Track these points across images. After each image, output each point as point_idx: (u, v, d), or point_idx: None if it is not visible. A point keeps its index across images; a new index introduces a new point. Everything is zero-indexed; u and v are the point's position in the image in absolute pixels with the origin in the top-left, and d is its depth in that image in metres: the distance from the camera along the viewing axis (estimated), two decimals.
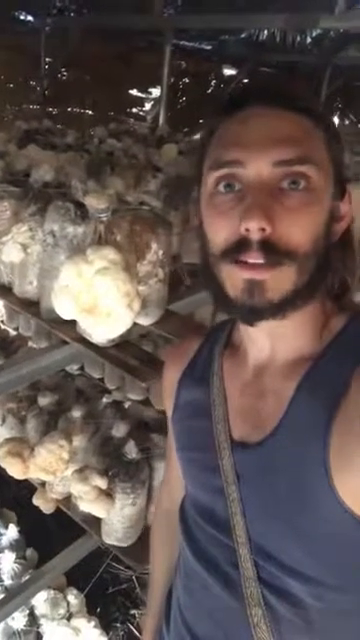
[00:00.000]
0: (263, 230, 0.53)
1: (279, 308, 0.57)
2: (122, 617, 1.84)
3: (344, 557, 0.57)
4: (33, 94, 3.09)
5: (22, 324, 2.03)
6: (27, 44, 2.94)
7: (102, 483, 1.18)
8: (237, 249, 0.56)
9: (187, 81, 4.12)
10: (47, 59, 3.01)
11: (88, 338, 0.94)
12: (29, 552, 1.84)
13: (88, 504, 1.19)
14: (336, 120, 4.82)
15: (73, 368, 1.86)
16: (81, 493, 1.18)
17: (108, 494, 1.20)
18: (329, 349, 0.60)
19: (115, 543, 1.29)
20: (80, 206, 0.94)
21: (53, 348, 1.01)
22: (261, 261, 0.55)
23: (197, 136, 4.23)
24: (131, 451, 1.23)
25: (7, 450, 1.28)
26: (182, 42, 3.57)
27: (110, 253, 0.80)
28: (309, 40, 3.98)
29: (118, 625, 1.81)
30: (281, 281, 0.55)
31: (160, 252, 0.97)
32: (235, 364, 0.70)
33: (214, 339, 0.76)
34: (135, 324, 0.92)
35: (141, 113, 3.96)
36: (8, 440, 1.32)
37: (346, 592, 0.58)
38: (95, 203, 0.85)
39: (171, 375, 0.79)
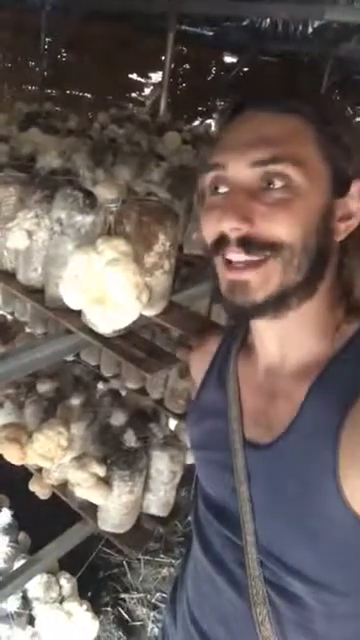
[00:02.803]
0: (238, 229, 0.56)
1: (265, 307, 0.58)
2: (113, 601, 1.86)
3: (348, 561, 0.58)
4: (32, 75, 3.03)
5: (18, 309, 2.02)
6: (26, 24, 2.87)
7: (100, 471, 1.19)
8: (218, 246, 0.59)
9: (187, 67, 4.07)
10: (47, 39, 2.95)
11: (93, 328, 0.94)
12: (21, 536, 1.86)
13: (86, 491, 1.20)
14: None
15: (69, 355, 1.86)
16: (79, 480, 1.19)
17: (106, 482, 1.21)
18: (342, 353, 0.60)
19: (111, 530, 1.30)
20: (88, 195, 0.93)
21: (56, 337, 1.01)
22: (242, 257, 0.57)
23: (197, 123, 4.20)
24: (130, 440, 1.24)
25: (5, 435, 1.29)
26: (183, 27, 3.51)
27: (121, 244, 0.80)
28: (310, 30, 3.94)
29: (109, 609, 1.84)
30: (266, 280, 0.57)
31: (167, 243, 0.97)
32: (249, 364, 0.72)
33: (232, 338, 0.78)
34: (140, 315, 0.92)
35: (140, 98, 3.91)
36: (6, 426, 1.32)
37: (348, 596, 0.59)
38: (106, 193, 0.85)
39: (196, 376, 0.82)
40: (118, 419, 1.29)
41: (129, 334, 0.98)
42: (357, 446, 0.53)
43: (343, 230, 0.59)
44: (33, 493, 1.47)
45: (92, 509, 1.32)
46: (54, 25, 2.92)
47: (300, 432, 0.60)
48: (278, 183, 0.55)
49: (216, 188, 0.60)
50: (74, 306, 0.85)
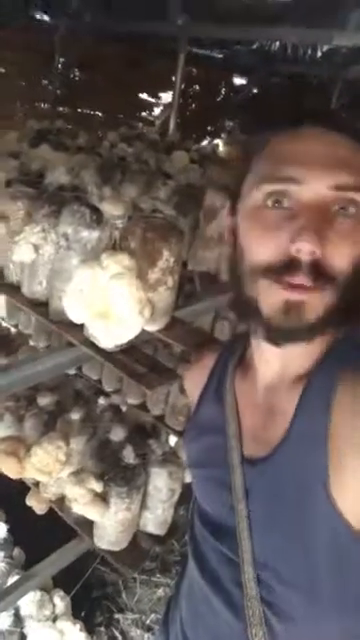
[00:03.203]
0: (314, 253, 0.53)
1: (311, 330, 0.57)
2: (106, 621, 1.83)
3: (342, 574, 0.57)
4: (45, 93, 3.10)
5: (23, 322, 2.03)
6: (40, 43, 2.95)
7: (98, 487, 1.18)
8: (284, 269, 0.55)
9: (197, 88, 4.14)
10: (60, 59, 3.02)
11: (95, 342, 0.94)
12: (16, 551, 1.83)
13: (82, 507, 1.19)
14: None
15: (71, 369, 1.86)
16: (76, 496, 1.18)
17: (103, 498, 1.20)
18: (326, 358, 0.61)
19: (107, 547, 1.29)
20: (95, 211, 0.94)
21: (58, 350, 1.01)
22: (308, 284, 0.54)
23: (205, 143, 4.26)
24: (129, 456, 1.23)
25: (3, 449, 1.28)
26: (194, 49, 3.59)
27: (125, 259, 0.81)
28: (319, 54, 4.01)
29: (102, 629, 1.80)
30: (320, 303, 0.55)
31: (171, 260, 0.98)
32: (247, 381, 0.71)
33: (228, 355, 0.77)
34: (142, 330, 0.93)
35: (150, 117, 3.98)
36: (4, 439, 1.32)
37: (346, 612, 0.59)
38: (112, 209, 0.86)
39: (192, 393, 0.81)
40: (117, 435, 1.29)
41: (131, 349, 0.98)
42: (341, 453, 0.54)
43: None
44: (29, 508, 1.46)
45: (88, 525, 1.31)
46: (67, 46, 2.99)
47: (293, 443, 0.60)
48: (352, 210, 0.54)
49: (276, 202, 0.57)
50: (77, 320, 0.86)
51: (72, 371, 1.85)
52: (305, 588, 0.59)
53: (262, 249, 0.57)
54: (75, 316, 0.86)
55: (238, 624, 0.64)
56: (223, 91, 4.45)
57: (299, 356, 0.62)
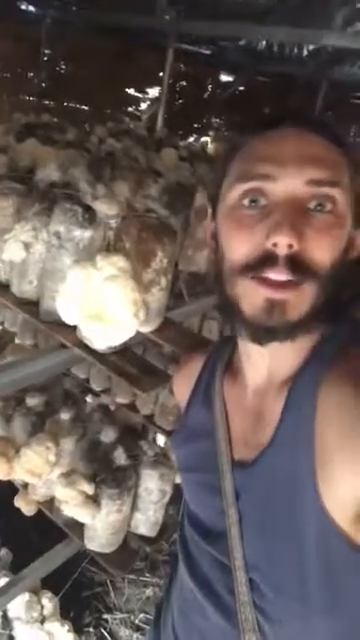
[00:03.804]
0: (291, 246, 0.53)
1: (294, 329, 0.57)
2: (95, 622, 1.82)
3: (333, 576, 0.57)
4: (30, 86, 3.04)
5: (8, 320, 2.00)
6: (27, 35, 2.89)
7: (89, 488, 1.17)
8: (261, 264, 0.55)
9: (184, 84, 4.12)
10: (46, 51, 2.97)
11: (88, 343, 0.93)
12: (3, 552, 1.81)
13: (73, 509, 1.17)
14: None
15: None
16: (67, 497, 1.16)
17: (94, 500, 1.18)
18: (308, 363, 0.61)
19: (97, 549, 1.28)
20: (87, 209, 0.93)
21: (50, 352, 0.99)
22: (286, 278, 0.54)
23: (192, 140, 4.25)
24: (120, 457, 1.22)
25: None
26: (181, 45, 3.56)
27: (120, 260, 0.80)
28: (305, 53, 4.03)
29: (91, 630, 1.79)
30: (301, 301, 0.55)
31: (165, 260, 0.97)
32: (235, 385, 0.71)
33: (216, 358, 0.76)
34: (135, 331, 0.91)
35: (136, 112, 3.94)
36: None
37: (335, 616, 0.59)
38: (106, 209, 0.84)
39: (180, 397, 0.80)
40: (108, 436, 1.27)
41: (123, 350, 0.97)
42: (326, 454, 0.54)
43: (350, 260, 0.60)
44: (16, 508, 1.44)
45: (78, 527, 1.29)
46: (54, 37, 2.94)
47: (280, 447, 0.60)
48: (328, 207, 0.55)
49: (252, 201, 0.57)
50: (70, 321, 0.84)
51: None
52: (296, 591, 0.59)
53: (239, 247, 0.57)
54: (68, 317, 0.84)
55: (230, 629, 0.64)
56: (210, 88, 4.43)
57: (286, 358, 0.62)
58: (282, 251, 0.53)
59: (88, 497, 1.17)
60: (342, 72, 3.97)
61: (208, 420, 0.71)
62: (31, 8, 2.77)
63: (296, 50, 3.92)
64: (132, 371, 0.92)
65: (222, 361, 0.74)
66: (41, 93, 3.05)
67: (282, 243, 0.53)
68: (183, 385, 0.81)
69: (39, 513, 1.43)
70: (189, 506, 0.76)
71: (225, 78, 4.40)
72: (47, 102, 3.12)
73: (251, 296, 0.57)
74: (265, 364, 0.64)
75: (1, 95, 2.94)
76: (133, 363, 0.94)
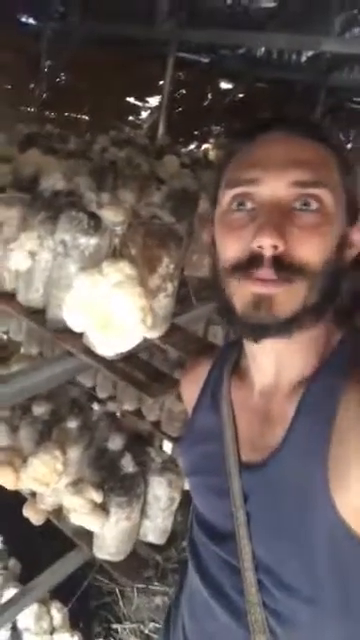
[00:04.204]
0: (275, 247, 0.55)
1: (285, 325, 0.57)
2: (105, 632, 1.80)
3: (343, 579, 0.57)
4: (31, 97, 3.07)
5: (13, 329, 2.00)
6: (27, 47, 2.92)
7: (97, 497, 1.16)
8: (248, 265, 0.57)
9: (184, 92, 4.15)
10: (47, 62, 3.00)
11: (95, 350, 0.93)
12: (12, 562, 1.80)
13: (81, 517, 1.17)
14: None
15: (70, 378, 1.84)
16: (75, 506, 1.16)
17: (102, 508, 1.18)
18: (322, 369, 0.62)
19: (107, 558, 1.27)
20: (92, 217, 0.93)
21: (57, 359, 0.99)
22: (273, 277, 0.55)
23: (192, 147, 4.27)
24: (128, 465, 1.22)
25: None
26: (181, 53, 3.60)
27: (126, 267, 0.80)
28: (304, 59, 4.06)
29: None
30: (290, 297, 0.56)
31: (171, 266, 0.97)
32: (242, 388, 0.71)
33: (223, 361, 0.77)
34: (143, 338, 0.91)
35: (137, 121, 3.97)
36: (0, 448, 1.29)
37: (348, 618, 0.59)
38: (112, 216, 0.85)
39: (188, 401, 0.81)
40: (116, 443, 1.27)
41: (131, 357, 0.97)
42: (342, 461, 0.54)
43: (348, 258, 0.61)
44: (23, 518, 1.43)
45: (87, 536, 1.29)
46: (54, 49, 2.98)
47: (291, 450, 0.60)
48: (313, 206, 0.56)
49: (240, 204, 0.59)
50: (77, 328, 0.84)
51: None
52: (306, 593, 0.59)
53: (229, 249, 0.59)
54: (75, 325, 0.84)
55: (241, 631, 0.64)
56: (209, 95, 4.46)
57: (291, 359, 0.63)
58: (267, 252, 0.55)
59: (96, 505, 1.16)
60: (341, 77, 4.01)
61: (215, 423, 0.72)
62: (31, 21, 2.80)
63: (295, 56, 3.96)
64: (140, 377, 0.92)
65: (229, 364, 0.75)
66: (42, 104, 3.08)
67: (266, 244, 0.55)
68: (190, 389, 0.81)
69: (47, 523, 1.42)
70: (198, 509, 0.76)
71: (225, 85, 4.43)
72: (48, 113, 3.15)
73: (241, 293, 0.59)
74: (270, 365, 0.65)
75: (2, 106, 2.97)
76: (141, 369, 0.94)
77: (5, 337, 1.96)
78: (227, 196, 0.60)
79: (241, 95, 4.35)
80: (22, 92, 3.10)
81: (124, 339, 0.83)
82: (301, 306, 0.57)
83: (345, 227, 0.59)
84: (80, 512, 1.16)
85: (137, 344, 0.86)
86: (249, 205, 0.58)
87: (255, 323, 0.58)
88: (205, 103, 4.41)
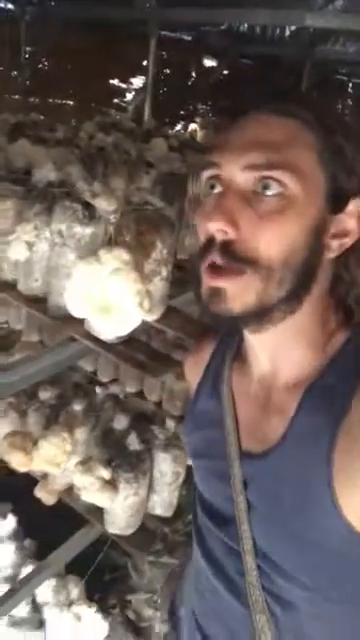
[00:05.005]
0: (225, 232, 0.53)
1: (242, 320, 0.57)
2: (120, 603, 1.89)
3: (343, 570, 0.58)
4: (14, 84, 3.05)
5: (12, 318, 2.03)
6: (6, 33, 2.89)
7: (106, 474, 1.22)
8: (205, 249, 0.57)
9: (168, 72, 4.11)
10: (28, 48, 2.97)
11: (96, 335, 0.97)
12: (27, 542, 1.87)
13: (92, 494, 1.22)
14: None
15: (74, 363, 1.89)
16: (85, 484, 1.21)
17: (112, 484, 1.24)
18: (332, 363, 0.60)
19: (118, 532, 1.33)
20: (87, 207, 0.96)
21: (59, 345, 1.03)
22: (220, 262, 0.54)
23: (179, 127, 4.24)
24: (133, 443, 1.27)
25: (10, 443, 1.31)
26: (163, 32, 3.55)
27: (122, 254, 0.83)
28: (288, 33, 4.01)
29: (116, 611, 1.86)
30: (241, 291, 0.54)
31: (164, 251, 1.01)
32: (243, 374, 0.71)
33: (225, 345, 0.76)
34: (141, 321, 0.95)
35: (122, 103, 3.94)
36: (10, 433, 1.34)
37: (344, 604, 0.60)
38: (105, 205, 0.88)
39: (191, 382, 0.81)
40: (121, 423, 1.32)
41: (130, 340, 1.01)
42: (351, 459, 0.53)
43: (336, 247, 0.57)
44: (36, 500, 1.49)
45: (98, 512, 1.35)
46: (34, 34, 2.94)
47: (293, 444, 0.60)
48: (274, 189, 0.53)
49: (212, 187, 0.58)
50: (79, 314, 0.88)
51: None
52: (304, 580, 0.60)
53: (199, 230, 0.59)
54: (77, 311, 0.88)
55: (242, 609, 0.66)
56: (194, 74, 4.42)
57: (289, 352, 0.62)
58: (218, 237, 0.54)
59: (106, 482, 1.22)
60: (325, 50, 3.97)
61: (216, 408, 0.72)
62: (10, 6, 2.76)
63: (278, 31, 3.91)
64: (141, 358, 0.96)
65: (231, 349, 0.75)
66: (25, 91, 3.05)
67: (213, 229, 0.54)
68: (193, 371, 0.81)
69: (59, 503, 1.48)
70: (200, 491, 0.77)
71: (209, 63, 4.38)
72: (32, 99, 3.13)
73: (203, 285, 0.58)
74: (265, 354, 0.64)
75: None
76: (141, 351, 0.98)
77: (6, 326, 2.00)
78: (202, 177, 0.60)
79: (226, 72, 4.31)
80: (4, 80, 3.08)
81: (123, 322, 0.87)
82: (256, 300, 0.54)
83: (325, 213, 0.55)
84: (90, 489, 1.22)
85: (136, 327, 0.91)
86: (217, 188, 0.57)
87: (211, 315, 0.57)
88: (190, 82, 4.37)
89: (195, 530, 0.77)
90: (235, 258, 0.53)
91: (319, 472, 0.55)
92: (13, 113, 2.28)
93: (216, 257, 0.54)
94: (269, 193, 0.53)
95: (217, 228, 0.54)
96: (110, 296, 0.84)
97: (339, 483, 0.54)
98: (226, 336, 0.78)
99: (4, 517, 1.95)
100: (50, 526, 1.86)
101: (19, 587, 1.35)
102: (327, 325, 0.62)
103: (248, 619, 0.65)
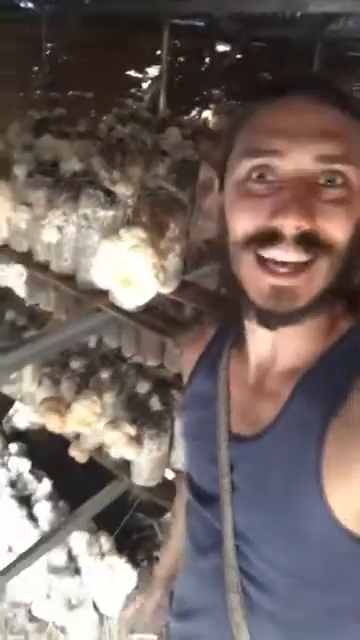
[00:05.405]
0: (299, 227, 0.51)
1: (305, 312, 0.55)
2: (148, 558, 2.07)
3: (324, 558, 0.57)
4: (36, 79, 3.20)
5: (43, 300, 2.21)
6: (27, 30, 3.03)
7: (132, 430, 1.38)
8: (266, 240, 0.53)
9: (182, 59, 4.19)
10: (48, 45, 3.11)
11: (119, 305, 1.12)
12: (61, 503, 2.06)
13: (120, 449, 1.39)
14: None
15: (92, 340, 2.05)
16: (114, 439, 1.38)
17: (137, 440, 1.40)
18: (330, 353, 0.59)
19: (143, 484, 1.50)
20: (108, 193, 1.11)
21: (88, 315, 1.19)
22: (293, 258, 0.52)
23: (194, 113, 4.32)
24: (155, 404, 1.43)
25: (46, 407, 1.48)
26: (175, 21, 3.63)
27: (140, 232, 0.98)
28: (299, 14, 4.02)
29: (145, 564, 2.04)
30: (311, 284, 0.53)
31: (177, 231, 1.14)
32: (241, 361, 0.71)
33: (227, 331, 0.76)
34: (158, 293, 1.10)
35: (138, 93, 4.05)
36: (46, 399, 1.52)
37: (321, 589, 0.60)
38: (124, 190, 1.02)
39: (187, 365, 0.81)
40: (143, 387, 1.48)
41: (149, 308, 1.16)
42: (343, 451, 0.52)
43: None
44: (67, 468, 1.64)
45: (126, 468, 1.51)
46: (54, 31, 3.08)
47: (284, 428, 0.59)
48: (339, 181, 0.52)
49: (261, 176, 0.54)
50: (104, 286, 1.03)
51: (92, 344, 2.04)
52: (284, 565, 0.60)
53: (244, 220, 0.55)
54: (102, 283, 1.03)
55: (220, 588, 0.66)
56: (207, 60, 4.49)
57: (292, 339, 0.61)
58: (290, 231, 0.51)
59: (132, 438, 1.38)
60: (337, 29, 3.97)
61: (211, 389, 0.72)
62: (30, 5, 2.90)
63: (289, 12, 3.93)
64: (159, 324, 1.11)
65: (232, 333, 0.74)
66: (46, 85, 3.20)
67: (290, 225, 0.51)
68: (191, 355, 0.81)
69: (89, 469, 1.65)
70: (189, 473, 0.77)
71: (222, 48, 4.43)
72: (53, 93, 3.27)
73: (256, 281, 0.55)
74: (270, 344, 0.63)
75: (9, 91, 3.11)
76: (159, 318, 1.13)
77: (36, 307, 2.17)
78: (245, 166, 0.55)
79: (239, 56, 4.36)
80: (26, 76, 3.23)
81: (142, 292, 1.02)
82: (320, 290, 0.54)
83: None
84: (119, 444, 1.38)
85: (153, 298, 1.05)
86: (269, 177, 0.53)
87: (273, 313, 0.55)
88: (203, 68, 4.44)
89: (186, 509, 0.79)
90: (311, 246, 0.52)
91: (308, 459, 0.54)
92: (37, 109, 2.42)
93: (288, 251, 0.52)
94: (335, 184, 0.52)
95: (296, 225, 0.51)
96: (130, 269, 0.99)
97: (328, 472, 0.53)
98: (226, 323, 0.78)
99: (40, 481, 2.14)
100: (82, 490, 2.06)
101: (52, 533, 1.53)
102: (335, 313, 0.60)
103: (223, 598, 0.65)
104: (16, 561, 1.50)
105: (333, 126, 0.53)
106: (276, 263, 0.53)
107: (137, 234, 0.98)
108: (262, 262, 0.54)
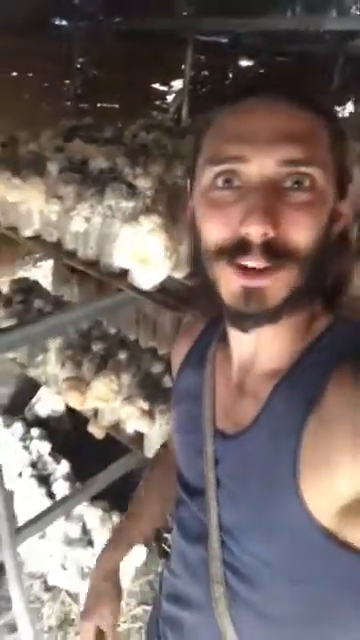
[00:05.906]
0: (265, 234, 0.51)
1: (275, 314, 0.55)
2: (156, 537, 2.18)
3: (303, 554, 0.58)
4: (67, 92, 3.42)
5: (67, 292, 2.37)
6: (60, 46, 3.25)
7: (145, 405, 1.51)
8: (236, 251, 0.53)
9: (206, 74, 4.38)
10: (79, 59, 3.33)
11: (136, 286, 1.26)
12: (78, 484, 2.20)
13: (134, 422, 1.52)
14: (351, 108, 4.99)
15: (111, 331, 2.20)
16: (129, 413, 1.51)
17: (150, 414, 1.52)
18: (307, 352, 0.60)
19: None
20: (130, 186, 1.25)
21: (110, 294, 1.33)
22: (262, 265, 0.52)
23: None
24: (167, 382, 1.55)
25: (68, 385, 1.63)
26: (199, 37, 3.81)
27: (156, 218, 1.11)
28: (321, 30, 4.16)
29: (154, 544, 2.15)
30: (280, 286, 0.54)
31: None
32: (226, 358, 0.72)
33: (215, 327, 0.77)
34: (170, 277, 1.23)
35: (163, 105, 4.24)
36: (68, 377, 1.66)
37: (302, 583, 0.60)
38: (143, 183, 1.16)
39: (176, 358, 0.84)
40: (157, 368, 1.61)
41: (163, 289, 1.29)
42: (319, 447, 0.53)
43: (336, 233, 0.57)
44: (83, 454, 1.77)
45: (139, 442, 1.64)
46: (85, 47, 3.29)
47: (263, 429, 0.60)
48: (304, 184, 0.52)
49: (227, 180, 0.54)
50: (125, 265, 1.17)
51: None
52: (267, 559, 0.61)
53: (213, 230, 0.55)
54: (123, 263, 1.17)
55: (204, 578, 0.69)
56: (230, 75, 4.67)
57: (272, 339, 0.61)
58: (256, 239, 0.51)
59: (145, 412, 1.51)
60: (358, 44, 4.10)
61: (198, 384, 0.73)
62: (64, 22, 3.12)
63: (311, 28, 4.07)
64: (172, 302, 1.24)
65: (219, 331, 0.75)
66: (77, 97, 3.41)
67: (255, 232, 0.51)
68: (181, 350, 0.82)
69: (103, 453, 1.78)
70: (178, 466, 0.79)
71: (245, 63, 4.61)
72: (83, 105, 3.48)
73: (228, 283, 0.55)
74: (251, 345, 0.64)
75: (42, 102, 3.34)
76: (171, 296, 1.26)
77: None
78: (209, 172, 0.55)
79: (262, 71, 4.53)
80: (58, 88, 3.45)
81: (157, 271, 1.15)
82: (290, 292, 0.54)
83: (335, 202, 0.56)
84: (133, 418, 1.51)
85: (168, 282, 1.18)
86: (236, 183, 0.54)
87: (245, 315, 0.56)
88: (227, 82, 4.62)
89: (175, 503, 0.81)
90: (278, 255, 0.52)
91: (286, 457, 0.56)
92: (68, 118, 2.62)
93: (257, 259, 0.52)
94: (301, 188, 0.52)
95: (261, 232, 0.51)
96: (147, 250, 1.12)
97: (304, 468, 0.54)
98: (214, 320, 0.78)
99: (59, 462, 2.29)
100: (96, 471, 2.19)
101: (63, 501, 1.66)
102: (313, 313, 0.62)
103: (207, 588, 0.68)
104: (34, 520, 1.61)
105: (296, 128, 0.53)
106: (247, 268, 0.54)
107: (154, 220, 1.12)
108: (234, 267, 0.54)
